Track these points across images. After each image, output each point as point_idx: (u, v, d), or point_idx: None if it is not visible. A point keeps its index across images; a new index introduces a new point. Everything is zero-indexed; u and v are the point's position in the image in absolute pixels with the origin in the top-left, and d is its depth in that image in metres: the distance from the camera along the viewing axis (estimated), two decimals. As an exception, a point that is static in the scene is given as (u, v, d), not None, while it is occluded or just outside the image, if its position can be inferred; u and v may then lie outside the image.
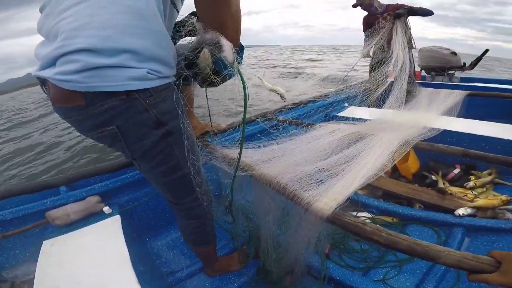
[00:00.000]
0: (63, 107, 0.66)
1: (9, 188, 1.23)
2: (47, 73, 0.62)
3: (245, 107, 0.78)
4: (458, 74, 3.02)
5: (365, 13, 2.81)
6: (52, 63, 0.61)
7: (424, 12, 2.53)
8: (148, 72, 0.65)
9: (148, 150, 0.74)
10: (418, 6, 2.57)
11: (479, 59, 3.00)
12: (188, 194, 0.89)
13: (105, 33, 0.58)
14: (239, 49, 0.81)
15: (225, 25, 0.74)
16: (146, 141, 0.72)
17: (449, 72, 3.01)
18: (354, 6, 2.76)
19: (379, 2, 2.70)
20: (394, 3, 2.68)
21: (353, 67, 3.00)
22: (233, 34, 0.76)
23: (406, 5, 2.58)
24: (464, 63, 2.94)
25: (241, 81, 0.75)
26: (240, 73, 0.76)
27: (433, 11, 2.55)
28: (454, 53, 2.94)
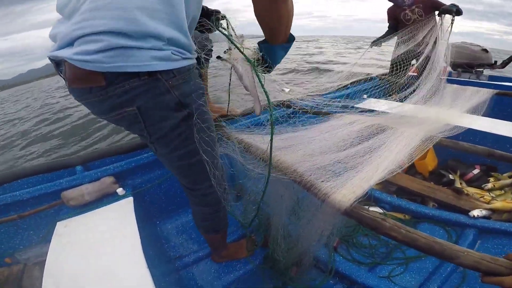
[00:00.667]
0: (81, 88, 0.64)
1: (26, 168, 1.26)
2: (65, 53, 0.60)
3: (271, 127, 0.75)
4: (487, 72, 2.86)
5: (389, 4, 2.67)
6: (70, 42, 0.60)
7: (461, 12, 2.39)
8: (172, 53, 0.64)
9: (168, 133, 0.72)
10: (450, 3, 2.41)
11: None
12: (203, 180, 0.88)
13: (130, 15, 0.56)
14: (289, 40, 0.79)
15: (281, 22, 0.71)
16: (167, 123, 0.70)
17: (478, 69, 2.86)
18: None
19: None
20: None
21: (360, 57, 2.86)
22: (286, 30, 0.74)
23: (441, 2, 2.41)
24: (495, 61, 2.78)
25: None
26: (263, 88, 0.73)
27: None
28: (486, 50, 2.77)
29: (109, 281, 0.79)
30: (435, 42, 2.26)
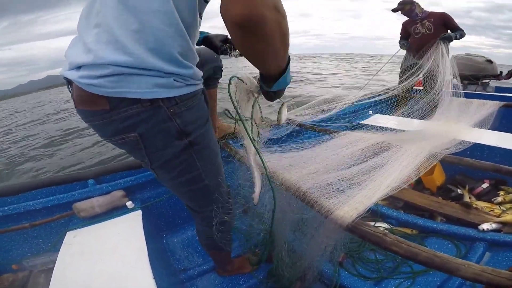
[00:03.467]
0: (86, 110, 0.66)
1: (41, 179, 1.31)
2: (72, 75, 0.62)
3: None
4: (493, 83, 2.85)
5: (405, 18, 2.74)
6: (77, 66, 0.62)
7: (461, 37, 2.45)
8: (174, 80, 0.64)
9: (169, 160, 0.72)
10: (460, 28, 2.46)
11: None
12: (207, 204, 0.87)
13: (130, 51, 0.58)
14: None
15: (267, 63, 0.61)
16: (167, 151, 0.70)
17: (483, 81, 2.84)
18: (394, 10, 2.69)
19: (422, 8, 2.61)
20: (440, 12, 2.57)
21: (373, 76, 2.92)
22: (277, 60, 0.60)
23: (453, 21, 2.48)
24: (501, 72, 2.76)
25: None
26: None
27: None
28: (490, 61, 2.77)
29: None
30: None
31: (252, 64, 0.60)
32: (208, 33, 1.13)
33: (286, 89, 0.74)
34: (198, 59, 0.72)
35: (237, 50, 0.96)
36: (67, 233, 1.08)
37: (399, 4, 2.65)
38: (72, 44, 0.66)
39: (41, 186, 1.26)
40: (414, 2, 2.61)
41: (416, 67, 2.36)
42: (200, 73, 0.72)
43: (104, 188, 1.27)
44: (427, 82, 2.23)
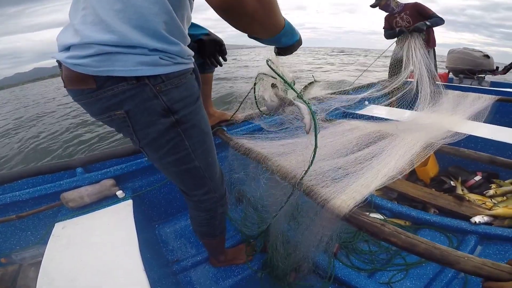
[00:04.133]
0: (74, 89, 0.67)
1: (27, 168, 1.26)
2: (61, 56, 0.63)
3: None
4: (488, 78, 2.87)
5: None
6: (66, 48, 0.63)
7: (437, 24, 2.46)
8: (160, 58, 0.63)
9: (156, 138, 0.72)
10: (436, 15, 2.48)
11: None
12: (198, 187, 0.87)
13: (114, 29, 0.58)
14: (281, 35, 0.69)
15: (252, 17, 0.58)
16: (154, 129, 0.70)
17: (479, 75, 2.86)
18: (372, 6, 2.75)
19: (397, 1, 2.67)
20: (412, 2, 2.64)
21: (373, 63, 2.91)
22: (268, 22, 0.62)
23: (427, 9, 2.52)
24: (497, 67, 2.78)
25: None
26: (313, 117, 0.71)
27: (444, 19, 2.48)
28: (487, 56, 2.79)
29: (104, 283, 0.78)
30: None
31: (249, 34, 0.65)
32: (207, 32, 1.11)
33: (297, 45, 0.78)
34: (188, 38, 0.72)
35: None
36: (56, 224, 1.05)
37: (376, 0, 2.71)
38: (63, 29, 0.67)
39: (27, 176, 1.21)
40: None
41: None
42: (189, 51, 0.72)
43: (93, 177, 1.23)
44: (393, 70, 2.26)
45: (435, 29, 2.59)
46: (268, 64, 0.79)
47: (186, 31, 0.71)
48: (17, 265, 1.08)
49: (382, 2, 2.67)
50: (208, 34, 1.13)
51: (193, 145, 0.76)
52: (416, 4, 2.59)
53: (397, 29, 2.53)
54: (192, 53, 0.74)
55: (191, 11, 0.73)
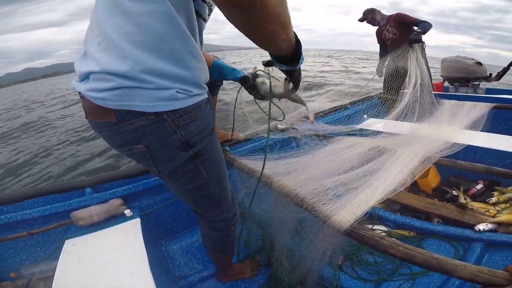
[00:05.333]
0: (95, 122, 0.68)
1: (38, 188, 1.30)
2: (81, 87, 0.65)
3: None
4: (483, 85, 2.90)
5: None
6: (85, 77, 0.64)
7: (427, 29, 2.46)
8: (177, 92, 0.64)
9: (175, 170, 0.74)
10: (420, 19, 2.50)
11: (506, 69, 2.87)
12: (212, 209, 0.90)
13: (129, 55, 0.58)
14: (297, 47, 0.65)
15: (263, 32, 0.53)
16: (174, 162, 0.72)
17: (474, 83, 2.90)
18: (360, 20, 2.82)
19: (382, 14, 2.73)
20: (394, 13, 2.70)
21: (367, 83, 2.97)
22: (279, 38, 0.56)
23: (408, 17, 2.56)
24: (490, 74, 2.82)
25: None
26: None
27: (431, 23, 2.48)
28: (479, 63, 2.83)
29: None
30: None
31: (262, 45, 0.56)
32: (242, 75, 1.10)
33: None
34: (205, 64, 0.71)
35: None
36: (66, 241, 1.08)
37: (363, 14, 2.79)
38: (79, 57, 0.68)
39: (38, 195, 1.25)
40: (375, 10, 2.75)
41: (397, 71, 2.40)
42: (204, 78, 0.72)
43: (101, 196, 1.27)
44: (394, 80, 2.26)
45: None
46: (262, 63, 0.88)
47: (199, 50, 0.68)
48: (26, 280, 1.10)
49: (368, 16, 2.74)
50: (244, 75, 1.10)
51: (209, 175, 0.79)
52: (397, 14, 2.65)
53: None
54: (208, 79, 0.74)
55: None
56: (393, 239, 0.64)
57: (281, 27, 0.52)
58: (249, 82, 1.05)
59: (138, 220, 1.18)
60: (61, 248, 1.04)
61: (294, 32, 0.59)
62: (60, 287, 0.85)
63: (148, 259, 0.94)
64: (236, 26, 0.51)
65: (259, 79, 1.02)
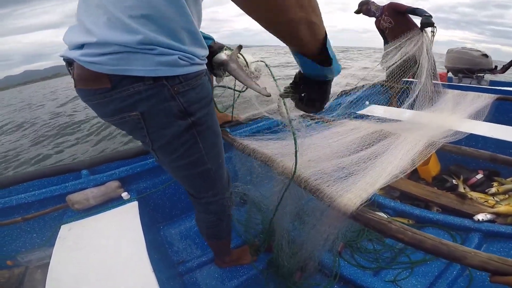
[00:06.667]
0: (86, 89, 0.64)
1: (32, 171, 1.27)
2: (74, 54, 0.60)
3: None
4: (487, 77, 2.89)
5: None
6: (79, 46, 0.60)
7: (424, 12, 2.37)
8: (179, 58, 0.61)
9: (171, 141, 0.70)
10: (412, 7, 2.46)
11: None
12: (208, 189, 0.87)
13: (130, 27, 0.55)
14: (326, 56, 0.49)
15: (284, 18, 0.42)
16: (169, 131, 0.68)
17: (478, 74, 2.89)
18: (356, 12, 2.82)
19: (376, 5, 2.71)
20: (387, 3, 2.68)
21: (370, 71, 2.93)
22: (307, 31, 0.44)
23: (400, 5, 2.54)
24: (496, 66, 2.81)
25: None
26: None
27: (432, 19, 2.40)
28: (485, 55, 2.81)
29: (113, 285, 0.79)
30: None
31: (286, 41, 0.46)
32: (212, 40, 1.01)
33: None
34: (201, 37, 0.68)
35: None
36: (62, 226, 1.05)
37: (358, 5, 2.77)
38: (70, 28, 0.64)
39: (32, 178, 1.22)
40: (369, 1, 2.73)
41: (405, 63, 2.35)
42: (204, 52, 0.69)
43: (98, 179, 1.24)
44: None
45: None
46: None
47: (199, 28, 0.67)
48: (23, 267, 1.08)
49: (363, 8, 2.73)
50: (214, 41, 1.07)
51: (206, 148, 0.75)
52: (390, 4, 2.63)
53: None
54: (207, 53, 0.71)
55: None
56: (401, 224, 0.62)
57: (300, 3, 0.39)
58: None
59: (135, 203, 1.16)
60: (57, 234, 1.01)
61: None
62: (56, 274, 0.83)
63: (146, 244, 0.92)
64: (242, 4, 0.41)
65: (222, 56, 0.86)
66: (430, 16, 2.22)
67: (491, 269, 0.51)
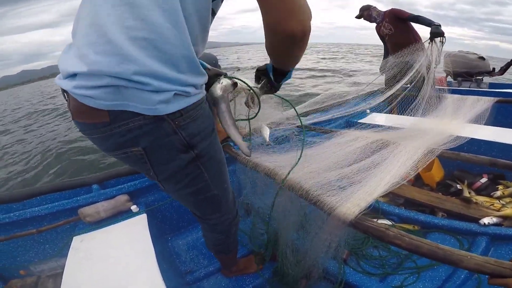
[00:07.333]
0: (84, 123, 0.61)
1: (46, 185, 1.33)
2: (67, 85, 0.57)
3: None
4: (486, 79, 2.89)
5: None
6: (72, 74, 0.56)
7: (427, 20, 2.42)
8: (176, 93, 0.59)
9: (175, 173, 0.69)
10: (414, 14, 2.48)
11: (509, 64, 2.86)
12: (214, 212, 0.88)
13: (123, 53, 0.52)
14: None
15: (293, 59, 0.73)
16: (174, 164, 0.67)
17: (477, 77, 2.89)
18: (357, 17, 2.82)
19: (378, 11, 2.71)
20: (389, 9, 2.69)
21: (373, 81, 2.96)
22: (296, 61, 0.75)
23: (402, 12, 2.54)
24: (493, 68, 2.82)
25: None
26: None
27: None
28: (482, 58, 2.82)
29: None
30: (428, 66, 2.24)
31: (281, 64, 0.78)
32: (205, 66, 0.97)
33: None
34: (200, 66, 0.65)
35: None
36: (74, 238, 1.09)
37: (359, 11, 2.77)
38: (65, 51, 0.60)
39: (46, 192, 1.27)
40: (370, 6, 2.72)
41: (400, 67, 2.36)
42: (203, 80, 0.68)
43: (108, 193, 1.29)
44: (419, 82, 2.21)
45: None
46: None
47: (203, 50, 0.67)
48: (35, 277, 1.13)
49: (365, 13, 2.73)
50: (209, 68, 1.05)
51: (211, 176, 0.75)
52: (392, 10, 2.64)
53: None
54: (206, 79, 0.69)
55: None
56: (399, 230, 0.64)
57: (303, 53, 0.68)
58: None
59: (144, 215, 1.20)
60: (69, 245, 1.05)
61: None
62: (69, 284, 0.86)
63: (155, 255, 0.95)
64: (275, 51, 0.68)
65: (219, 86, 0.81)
66: (439, 26, 2.21)
67: (487, 272, 0.52)
